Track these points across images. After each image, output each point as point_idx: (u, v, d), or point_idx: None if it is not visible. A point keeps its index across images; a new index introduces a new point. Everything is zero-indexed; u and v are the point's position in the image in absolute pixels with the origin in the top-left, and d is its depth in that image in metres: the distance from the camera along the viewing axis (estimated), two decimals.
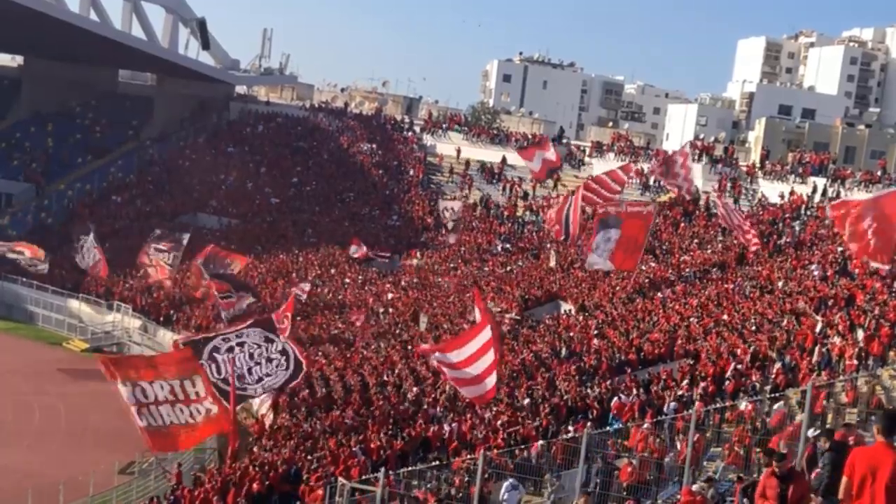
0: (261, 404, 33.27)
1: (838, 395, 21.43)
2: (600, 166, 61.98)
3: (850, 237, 21.34)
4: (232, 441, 28.31)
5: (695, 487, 13.91)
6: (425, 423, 27.02)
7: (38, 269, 52.59)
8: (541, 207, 57.93)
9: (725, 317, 32.26)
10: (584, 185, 46.88)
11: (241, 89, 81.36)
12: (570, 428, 23.21)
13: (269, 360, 29.05)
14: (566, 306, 41.22)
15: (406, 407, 29.18)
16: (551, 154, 55.47)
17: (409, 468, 21.90)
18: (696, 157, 58.72)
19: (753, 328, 29.95)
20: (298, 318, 42.47)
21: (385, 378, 33.06)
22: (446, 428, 26.01)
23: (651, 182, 57.92)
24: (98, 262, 51.23)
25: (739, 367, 26.08)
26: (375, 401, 30.31)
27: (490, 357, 23.93)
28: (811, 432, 15.10)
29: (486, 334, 23.99)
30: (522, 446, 22.46)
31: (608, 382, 27.88)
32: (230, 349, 28.51)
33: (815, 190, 50.69)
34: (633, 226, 40.41)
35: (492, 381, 24.27)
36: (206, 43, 74.14)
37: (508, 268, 50.16)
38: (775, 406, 20.57)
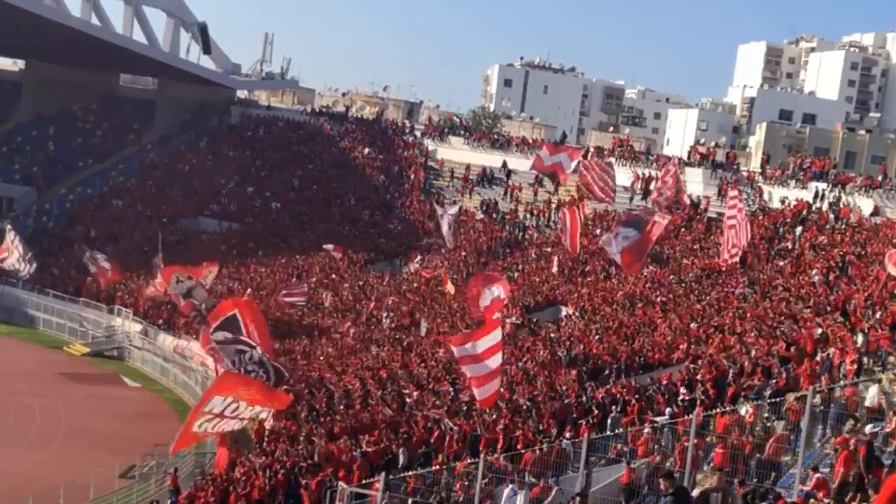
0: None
1: (838, 400, 21.37)
2: None
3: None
4: (223, 445, 28.17)
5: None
6: (425, 427, 26.96)
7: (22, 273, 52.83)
8: (542, 211, 57.95)
9: (726, 321, 32.22)
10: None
11: (242, 93, 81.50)
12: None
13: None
14: (567, 310, 41.20)
15: (406, 411, 29.13)
16: (568, 163, 54.17)
17: (411, 472, 21.87)
18: (697, 163, 58.80)
19: (754, 333, 29.90)
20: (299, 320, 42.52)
21: (386, 384, 32.99)
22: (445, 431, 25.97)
23: (650, 187, 57.86)
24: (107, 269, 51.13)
25: (740, 372, 26.02)
26: (375, 405, 30.27)
27: (498, 359, 25.60)
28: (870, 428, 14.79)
29: (497, 335, 25.85)
30: (523, 450, 22.42)
31: (608, 387, 27.85)
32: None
33: (816, 195, 50.65)
34: (651, 234, 40.34)
35: (496, 384, 25.80)
36: (207, 47, 74.18)
37: (509, 272, 50.07)
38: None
